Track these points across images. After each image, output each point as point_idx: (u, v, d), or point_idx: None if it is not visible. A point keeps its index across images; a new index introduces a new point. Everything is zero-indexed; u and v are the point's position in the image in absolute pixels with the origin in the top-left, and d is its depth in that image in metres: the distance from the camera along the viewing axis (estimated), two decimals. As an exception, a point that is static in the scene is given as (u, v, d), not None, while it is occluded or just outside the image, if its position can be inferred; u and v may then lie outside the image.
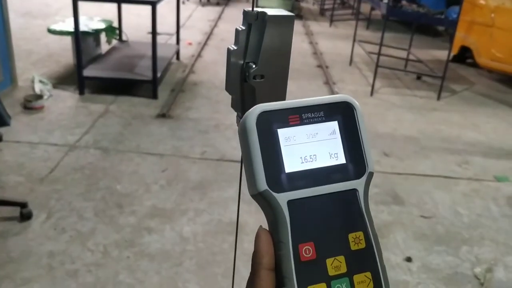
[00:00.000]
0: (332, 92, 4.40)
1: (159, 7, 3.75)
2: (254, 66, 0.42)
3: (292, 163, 0.35)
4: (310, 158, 0.36)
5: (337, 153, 0.37)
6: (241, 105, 0.45)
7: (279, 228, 0.34)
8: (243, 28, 0.42)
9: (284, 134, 0.35)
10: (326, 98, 0.37)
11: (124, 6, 5.01)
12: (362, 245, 0.36)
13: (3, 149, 2.93)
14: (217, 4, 9.04)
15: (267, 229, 0.36)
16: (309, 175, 0.35)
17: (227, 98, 0.49)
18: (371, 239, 0.36)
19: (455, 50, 5.72)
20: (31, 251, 2.10)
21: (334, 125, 0.37)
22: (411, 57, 5.56)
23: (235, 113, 0.49)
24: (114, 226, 2.32)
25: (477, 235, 2.53)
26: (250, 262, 0.35)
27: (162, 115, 3.64)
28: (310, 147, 0.36)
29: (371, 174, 0.37)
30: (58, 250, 2.12)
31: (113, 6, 5.01)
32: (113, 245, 2.19)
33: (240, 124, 0.36)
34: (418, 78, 5.25)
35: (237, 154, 2.97)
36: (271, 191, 0.34)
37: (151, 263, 2.10)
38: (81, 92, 3.90)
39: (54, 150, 3.00)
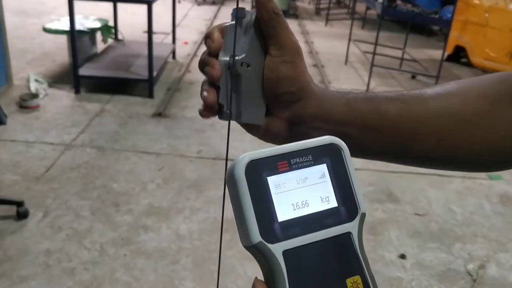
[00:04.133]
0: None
1: (154, 6, 3.75)
2: (242, 55, 0.43)
3: (284, 211, 0.34)
4: (302, 204, 0.35)
5: (328, 197, 0.36)
6: (226, 96, 0.45)
7: (275, 280, 0.33)
8: (232, 23, 0.44)
9: (274, 181, 0.34)
10: (313, 141, 0.37)
11: (120, 5, 5.00)
12: None
13: (-1, 148, 2.94)
14: (213, 3, 9.04)
15: (263, 279, 0.35)
16: (302, 222, 0.35)
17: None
18: (369, 282, 0.35)
19: (449, 50, 5.76)
20: (28, 249, 2.11)
21: (323, 168, 0.36)
22: (406, 56, 5.59)
23: None
24: (110, 225, 2.33)
25: (470, 232, 2.56)
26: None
27: (158, 114, 3.65)
28: (301, 193, 0.35)
29: (363, 215, 0.37)
30: (55, 248, 2.13)
31: (109, 5, 5.01)
32: (110, 243, 2.20)
33: (228, 174, 0.35)
34: (413, 77, 5.27)
35: (234, 153, 2.97)
36: (265, 242, 0.33)
37: (148, 261, 2.11)
38: (77, 91, 3.90)
39: (50, 149, 3.00)
